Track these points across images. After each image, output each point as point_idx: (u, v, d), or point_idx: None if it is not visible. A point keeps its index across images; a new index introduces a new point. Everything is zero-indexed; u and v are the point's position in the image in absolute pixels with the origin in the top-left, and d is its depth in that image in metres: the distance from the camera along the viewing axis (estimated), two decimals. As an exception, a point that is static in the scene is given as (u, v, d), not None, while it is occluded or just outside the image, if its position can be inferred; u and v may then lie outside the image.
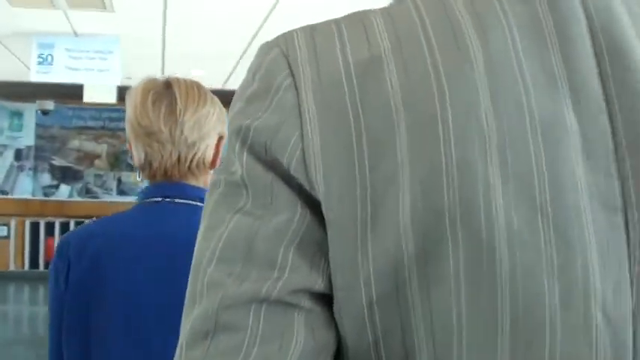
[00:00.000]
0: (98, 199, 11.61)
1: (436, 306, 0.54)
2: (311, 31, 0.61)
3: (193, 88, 1.51)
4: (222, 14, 6.47)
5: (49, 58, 7.64)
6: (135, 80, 1.60)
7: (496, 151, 0.54)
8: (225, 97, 1.25)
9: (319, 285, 0.58)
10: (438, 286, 0.54)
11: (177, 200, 1.46)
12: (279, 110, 0.59)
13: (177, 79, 1.52)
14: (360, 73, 0.57)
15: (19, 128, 11.61)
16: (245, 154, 0.60)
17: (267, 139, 0.59)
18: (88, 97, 8.82)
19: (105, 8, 6.42)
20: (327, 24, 0.62)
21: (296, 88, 0.59)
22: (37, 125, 11.57)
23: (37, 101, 10.95)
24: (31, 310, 9.19)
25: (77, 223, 10.43)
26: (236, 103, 0.63)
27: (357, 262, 0.56)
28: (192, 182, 1.50)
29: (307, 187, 0.58)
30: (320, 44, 0.60)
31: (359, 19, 0.61)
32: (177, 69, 8.55)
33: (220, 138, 1.54)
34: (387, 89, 0.56)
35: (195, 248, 0.60)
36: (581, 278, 0.53)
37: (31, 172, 11.56)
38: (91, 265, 1.41)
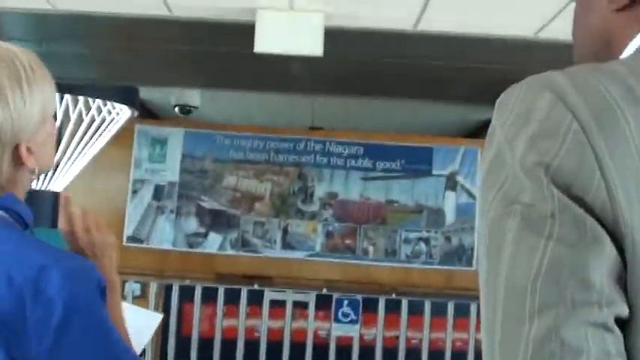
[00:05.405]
0: (257, 254, 8.88)
1: None
2: (572, 78, 0.75)
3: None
4: None
5: None
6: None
7: None
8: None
9: (625, 313, 0.70)
10: None
11: None
12: (576, 152, 0.72)
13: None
14: (635, 124, 0.70)
15: (162, 159, 9.10)
16: (551, 189, 0.72)
17: (570, 178, 0.72)
18: (260, 43, 4.60)
19: None
20: (583, 73, 0.77)
21: (584, 132, 0.72)
22: (184, 156, 9.04)
23: (175, 89, 7.72)
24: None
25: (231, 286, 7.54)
26: (515, 140, 0.75)
27: None
28: None
29: (612, 223, 0.70)
30: (590, 91, 0.74)
31: (614, 75, 0.75)
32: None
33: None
34: None
35: (503, 267, 0.72)
36: None
37: (172, 216, 8.96)
38: None
